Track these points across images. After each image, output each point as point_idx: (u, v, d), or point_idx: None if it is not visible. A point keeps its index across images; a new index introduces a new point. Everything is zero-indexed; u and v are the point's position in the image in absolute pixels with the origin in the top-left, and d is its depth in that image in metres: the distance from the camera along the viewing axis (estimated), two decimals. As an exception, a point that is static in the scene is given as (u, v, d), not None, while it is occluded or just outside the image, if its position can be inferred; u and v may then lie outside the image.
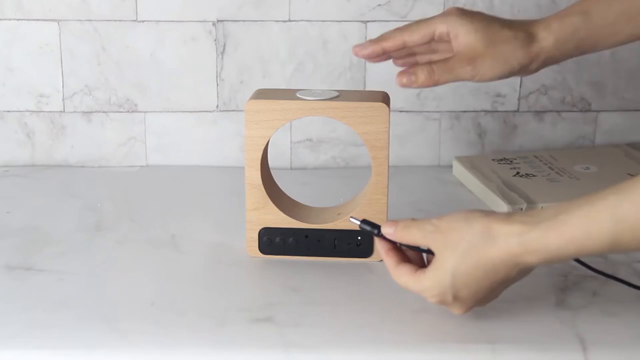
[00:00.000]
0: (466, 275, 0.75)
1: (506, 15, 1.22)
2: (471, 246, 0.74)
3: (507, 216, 0.74)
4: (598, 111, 1.27)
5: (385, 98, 0.91)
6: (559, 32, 0.85)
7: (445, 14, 0.87)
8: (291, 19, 1.21)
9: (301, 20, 1.21)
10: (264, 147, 0.91)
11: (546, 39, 0.85)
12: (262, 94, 0.93)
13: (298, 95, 0.91)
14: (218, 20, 1.21)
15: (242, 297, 0.86)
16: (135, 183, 1.20)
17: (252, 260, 0.94)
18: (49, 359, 0.76)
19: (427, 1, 1.21)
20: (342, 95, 0.91)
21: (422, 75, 0.85)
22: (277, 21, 1.21)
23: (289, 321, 0.81)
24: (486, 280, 0.75)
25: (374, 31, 1.22)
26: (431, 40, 0.88)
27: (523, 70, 0.86)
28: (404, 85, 0.86)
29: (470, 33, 0.85)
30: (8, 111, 1.24)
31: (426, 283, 0.77)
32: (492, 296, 0.79)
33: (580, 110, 1.27)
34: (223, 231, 1.01)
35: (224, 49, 1.22)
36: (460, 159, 1.21)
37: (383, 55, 0.90)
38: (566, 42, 0.85)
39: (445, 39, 0.87)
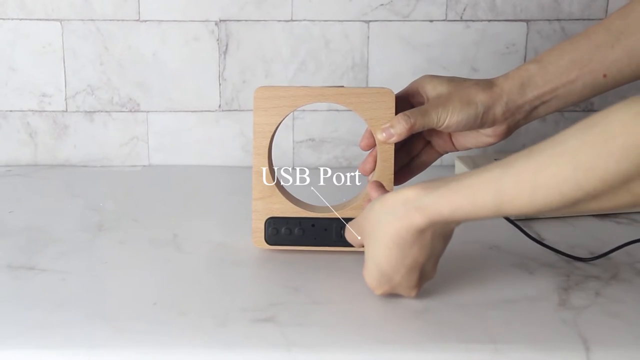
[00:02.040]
0: (388, 259, 0.80)
1: (508, 15, 1.23)
2: (377, 227, 0.80)
3: (402, 189, 0.79)
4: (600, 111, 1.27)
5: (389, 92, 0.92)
6: (515, 76, 0.90)
7: (417, 79, 0.94)
8: (293, 18, 1.21)
9: (303, 20, 1.21)
10: (272, 134, 0.92)
11: (504, 83, 0.90)
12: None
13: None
14: (220, 20, 1.21)
15: (244, 297, 0.86)
16: (137, 183, 1.20)
17: (254, 260, 0.94)
18: (51, 359, 0.76)
19: (429, 1, 1.21)
20: (347, 88, 0.92)
21: (398, 124, 0.89)
22: (279, 21, 1.21)
23: (291, 321, 0.81)
24: (408, 257, 0.80)
25: (376, 31, 1.22)
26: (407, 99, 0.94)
27: (488, 112, 0.89)
28: (384, 141, 0.90)
29: (437, 85, 0.91)
30: (10, 111, 1.24)
31: (366, 280, 0.84)
32: (431, 268, 0.83)
33: (583, 110, 1.27)
34: (225, 231, 1.01)
35: (226, 48, 1.22)
36: (462, 159, 1.21)
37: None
38: (524, 87, 0.89)
39: (417, 98, 0.94)
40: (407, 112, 0.90)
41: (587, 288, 0.87)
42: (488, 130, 0.91)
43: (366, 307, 0.84)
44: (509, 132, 0.92)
